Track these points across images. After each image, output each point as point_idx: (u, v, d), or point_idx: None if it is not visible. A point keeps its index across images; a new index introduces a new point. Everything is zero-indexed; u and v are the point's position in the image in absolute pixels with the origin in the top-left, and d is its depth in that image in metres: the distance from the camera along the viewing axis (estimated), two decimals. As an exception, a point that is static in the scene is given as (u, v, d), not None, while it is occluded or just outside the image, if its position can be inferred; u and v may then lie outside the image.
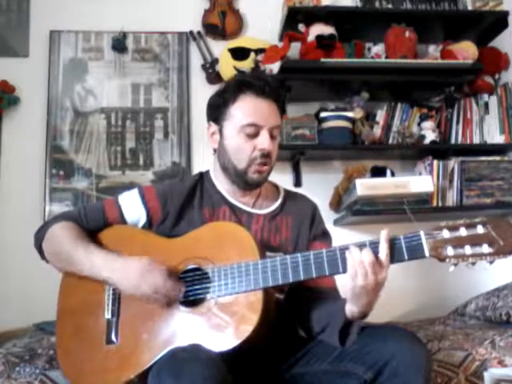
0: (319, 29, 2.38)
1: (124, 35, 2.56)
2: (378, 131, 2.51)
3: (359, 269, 1.09)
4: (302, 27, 2.42)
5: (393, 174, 2.40)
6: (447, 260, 1.07)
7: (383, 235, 1.10)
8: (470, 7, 2.63)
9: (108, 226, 1.37)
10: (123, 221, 1.37)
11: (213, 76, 2.57)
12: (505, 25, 2.52)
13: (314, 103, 2.58)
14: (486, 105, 2.55)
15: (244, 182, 1.37)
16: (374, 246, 1.11)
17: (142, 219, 1.37)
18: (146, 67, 2.58)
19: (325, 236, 1.45)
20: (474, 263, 1.06)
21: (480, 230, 1.06)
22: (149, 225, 1.37)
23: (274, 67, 2.34)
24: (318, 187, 2.44)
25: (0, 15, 2.54)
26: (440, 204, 2.37)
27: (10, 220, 2.36)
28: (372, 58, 2.51)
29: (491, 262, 1.05)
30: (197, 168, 2.47)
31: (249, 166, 1.34)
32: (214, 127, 1.41)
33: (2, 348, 1.59)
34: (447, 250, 1.06)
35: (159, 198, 1.37)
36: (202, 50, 2.61)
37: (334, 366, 1.18)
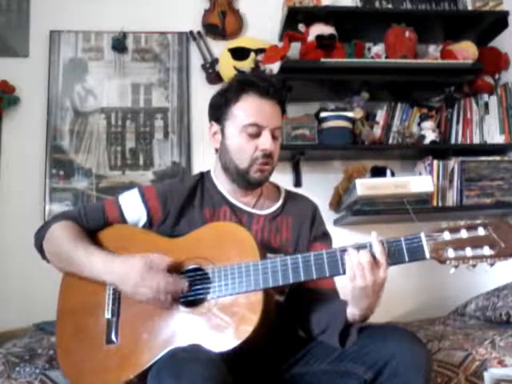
0: (319, 29, 2.38)
1: (124, 35, 2.56)
2: (377, 131, 2.51)
3: (357, 270, 1.09)
4: (301, 27, 2.42)
5: (393, 174, 2.40)
6: (448, 262, 1.07)
7: (373, 236, 1.11)
8: (470, 7, 2.63)
9: (108, 225, 1.37)
10: (123, 220, 1.37)
11: (213, 76, 2.57)
12: (505, 25, 2.52)
13: (314, 103, 2.58)
14: (486, 105, 2.55)
15: (246, 181, 1.37)
16: (372, 247, 1.11)
17: (143, 219, 1.37)
18: (145, 67, 2.58)
19: (325, 237, 1.45)
20: (474, 265, 1.06)
21: (481, 231, 1.06)
22: (149, 224, 1.37)
23: (274, 67, 2.34)
24: (317, 187, 2.44)
25: (0, 15, 2.54)
26: (440, 204, 2.37)
27: (10, 220, 2.36)
28: (372, 58, 2.51)
29: (492, 265, 1.05)
30: (197, 168, 2.47)
31: (250, 165, 1.34)
32: (215, 127, 1.41)
33: (2, 348, 1.59)
34: (448, 251, 1.06)
35: (159, 198, 1.37)
36: (202, 50, 2.61)
37: (334, 366, 1.18)
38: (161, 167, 2.50)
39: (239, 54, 2.49)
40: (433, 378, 1.41)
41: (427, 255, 1.08)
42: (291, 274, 1.16)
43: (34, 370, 1.42)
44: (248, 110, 1.34)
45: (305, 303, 1.32)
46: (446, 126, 2.58)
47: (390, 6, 2.62)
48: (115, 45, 2.54)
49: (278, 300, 1.30)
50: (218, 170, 1.44)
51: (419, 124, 2.53)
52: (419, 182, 2.24)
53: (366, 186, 2.20)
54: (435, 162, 2.42)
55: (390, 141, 2.50)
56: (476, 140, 2.52)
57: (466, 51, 2.47)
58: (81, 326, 1.29)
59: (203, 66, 2.59)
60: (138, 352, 1.19)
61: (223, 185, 1.43)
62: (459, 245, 1.06)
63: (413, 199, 2.23)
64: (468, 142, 2.52)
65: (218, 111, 1.39)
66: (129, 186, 2.33)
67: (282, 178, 2.06)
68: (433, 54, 2.54)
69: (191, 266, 1.25)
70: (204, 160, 2.48)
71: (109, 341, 1.24)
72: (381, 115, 2.54)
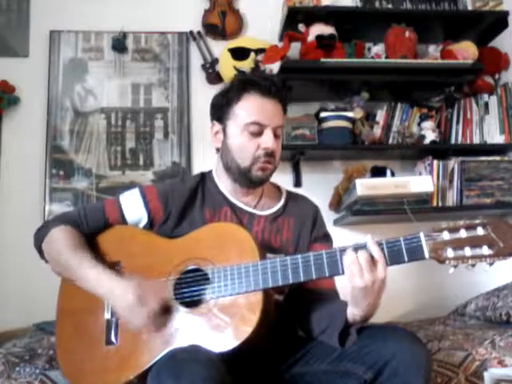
0: (319, 29, 2.38)
1: (124, 35, 2.56)
2: (378, 131, 2.51)
3: (354, 268, 1.09)
4: (301, 27, 2.42)
5: (393, 174, 2.40)
6: (447, 262, 1.07)
7: (368, 239, 1.11)
8: (470, 7, 2.63)
9: (109, 226, 1.37)
10: (124, 221, 1.37)
11: (213, 76, 2.57)
12: (505, 25, 2.52)
13: (314, 103, 2.58)
14: (486, 105, 2.55)
15: (247, 179, 1.36)
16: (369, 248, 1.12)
17: (144, 220, 1.37)
18: (146, 67, 2.58)
19: (326, 238, 1.45)
20: (473, 265, 1.06)
21: (480, 231, 1.06)
22: (150, 225, 1.37)
23: (274, 67, 2.34)
24: (318, 187, 2.44)
25: (0, 15, 2.54)
26: (440, 204, 2.37)
27: (10, 220, 2.36)
28: (372, 58, 2.51)
29: (491, 264, 1.05)
30: (197, 168, 2.48)
31: (252, 164, 1.34)
32: (217, 126, 1.41)
33: (2, 348, 1.59)
34: (447, 251, 1.06)
35: (160, 198, 1.37)
36: (202, 50, 2.61)
37: (334, 366, 1.18)
38: (161, 167, 2.50)
39: (239, 53, 2.49)
40: (433, 377, 1.41)
41: (426, 255, 1.08)
42: (291, 275, 1.16)
43: (34, 370, 1.42)
44: (250, 108, 1.34)
45: (305, 303, 1.32)
46: (446, 126, 2.58)
47: (390, 6, 2.62)
48: (115, 45, 2.54)
49: (278, 299, 1.30)
50: (219, 169, 1.44)
51: (419, 124, 2.53)
52: (419, 181, 2.24)
53: (365, 186, 2.20)
54: (435, 162, 2.42)
55: (390, 141, 2.50)
56: (476, 140, 2.52)
57: (465, 51, 2.47)
58: (80, 326, 1.29)
59: (203, 66, 2.59)
60: (138, 353, 1.19)
61: (225, 185, 1.42)
62: (458, 244, 1.06)
63: (413, 199, 2.23)
64: (468, 141, 2.52)
65: (220, 111, 1.39)
66: (129, 185, 2.33)
67: (282, 178, 2.05)
68: (433, 54, 2.54)
69: (191, 267, 1.25)
70: (204, 160, 2.48)
71: (108, 341, 1.24)
72: (381, 115, 2.54)
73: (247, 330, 1.13)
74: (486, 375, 1.38)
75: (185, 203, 1.37)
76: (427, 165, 2.43)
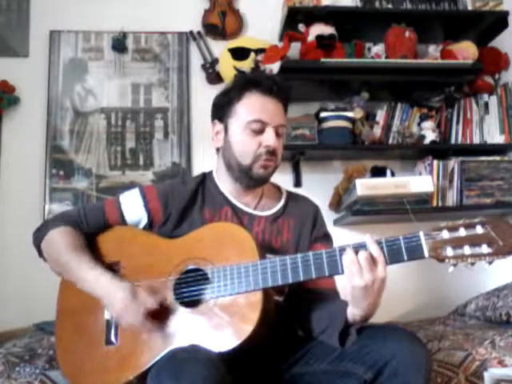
0: (319, 29, 2.38)
1: (124, 35, 2.56)
2: (378, 131, 2.51)
3: (354, 268, 1.09)
4: (302, 27, 2.42)
5: (393, 174, 2.40)
6: (446, 260, 1.07)
7: (367, 238, 1.11)
8: (470, 7, 2.63)
9: (109, 226, 1.37)
10: (123, 221, 1.37)
11: (213, 76, 2.57)
12: (505, 25, 2.52)
13: (314, 103, 2.58)
14: (486, 105, 2.55)
15: (249, 177, 1.36)
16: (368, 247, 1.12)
17: (143, 220, 1.37)
18: (146, 67, 2.58)
19: (326, 238, 1.45)
20: (473, 263, 1.05)
21: (479, 230, 1.06)
22: (150, 226, 1.37)
23: (274, 67, 2.34)
24: (317, 187, 2.44)
25: (0, 15, 2.54)
26: (440, 204, 2.37)
27: (10, 220, 2.36)
28: (372, 58, 2.51)
29: (490, 263, 1.05)
30: (197, 168, 2.48)
31: (254, 162, 1.34)
32: (218, 126, 1.41)
33: (2, 348, 1.59)
34: (446, 250, 1.06)
35: (160, 198, 1.37)
36: (202, 50, 2.61)
37: (334, 366, 1.18)
38: (161, 167, 2.50)
39: (239, 53, 2.49)
40: (433, 377, 1.41)
41: (426, 254, 1.08)
42: (290, 274, 1.16)
43: (34, 370, 1.42)
44: (251, 107, 1.34)
45: (305, 303, 1.32)
46: (446, 126, 2.58)
47: (390, 6, 2.62)
48: (115, 45, 2.54)
49: (278, 300, 1.30)
50: (220, 169, 1.44)
51: (419, 124, 2.53)
52: (419, 181, 2.24)
53: (366, 186, 2.20)
54: (435, 162, 2.42)
55: (390, 141, 2.50)
56: (476, 140, 2.52)
57: (466, 51, 2.47)
58: (80, 326, 1.29)
59: (203, 66, 2.59)
60: (138, 353, 1.19)
61: (225, 185, 1.42)
62: (458, 243, 1.06)
63: (413, 199, 2.23)
64: (468, 141, 2.52)
65: (221, 110, 1.39)
66: (129, 185, 2.33)
67: (282, 178, 2.05)
68: (433, 54, 2.54)
69: (190, 267, 1.24)
70: (204, 160, 2.48)
71: (108, 341, 1.24)
72: (381, 115, 2.54)
73: (248, 329, 1.13)
74: (486, 375, 1.38)
75: (185, 205, 1.37)
76: (427, 165, 2.43)
